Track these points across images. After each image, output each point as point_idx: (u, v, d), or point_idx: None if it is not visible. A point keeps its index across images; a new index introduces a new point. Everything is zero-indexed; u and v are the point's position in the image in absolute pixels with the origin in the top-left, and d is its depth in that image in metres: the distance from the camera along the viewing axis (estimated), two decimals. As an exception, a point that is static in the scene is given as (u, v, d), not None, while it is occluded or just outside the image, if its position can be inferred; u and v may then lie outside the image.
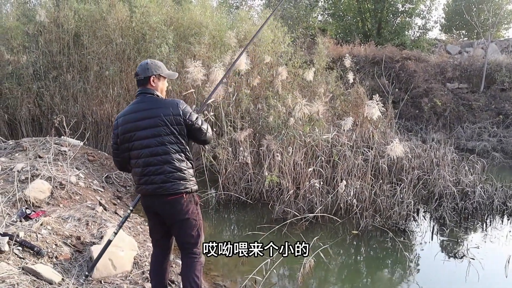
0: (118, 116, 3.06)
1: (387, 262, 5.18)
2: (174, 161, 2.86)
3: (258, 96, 8.09)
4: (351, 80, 8.22)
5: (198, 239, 3.02)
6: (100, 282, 3.65)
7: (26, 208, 4.56)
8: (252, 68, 7.70)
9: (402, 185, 6.53)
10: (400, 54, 15.15)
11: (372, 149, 6.83)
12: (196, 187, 3.00)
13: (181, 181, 2.87)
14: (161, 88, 3.04)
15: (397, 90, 13.87)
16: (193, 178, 2.98)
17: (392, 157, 6.40)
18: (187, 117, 2.89)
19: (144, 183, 2.88)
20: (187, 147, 2.97)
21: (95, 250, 3.86)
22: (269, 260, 4.44)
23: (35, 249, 3.68)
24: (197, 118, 2.95)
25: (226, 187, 6.58)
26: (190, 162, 2.98)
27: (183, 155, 2.92)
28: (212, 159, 6.53)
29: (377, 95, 6.30)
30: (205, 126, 3.00)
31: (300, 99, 6.70)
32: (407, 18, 19.15)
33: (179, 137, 2.89)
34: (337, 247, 5.42)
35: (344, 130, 6.62)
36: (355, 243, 5.64)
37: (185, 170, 2.90)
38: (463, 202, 6.56)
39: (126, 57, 8.66)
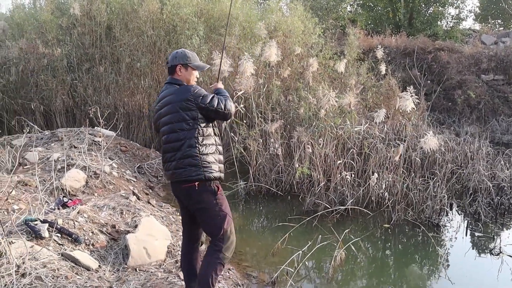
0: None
1: (418, 256, 5.09)
2: (184, 147, 2.81)
3: (289, 87, 8.05)
4: (383, 72, 8.07)
5: (218, 231, 2.86)
6: (135, 270, 3.73)
7: (64, 197, 4.70)
8: (282, 59, 7.65)
9: (435, 179, 6.39)
10: (432, 45, 14.76)
11: (404, 142, 6.70)
12: (214, 175, 2.86)
13: (193, 168, 2.80)
14: (187, 78, 2.98)
15: (429, 82, 13.53)
16: (210, 165, 2.84)
17: (425, 150, 6.27)
18: (200, 100, 2.83)
19: (165, 169, 3.00)
20: (203, 132, 2.87)
21: (130, 238, 3.95)
22: (300, 252, 4.44)
23: (73, 236, 3.78)
24: (212, 99, 2.86)
25: (256, 179, 6.59)
26: (208, 148, 2.87)
27: (196, 140, 2.82)
28: (242, 150, 6.54)
29: (411, 86, 6.16)
30: (221, 105, 2.88)
31: (328, 90, 6.63)
32: (440, 8, 18.62)
33: (190, 123, 2.82)
34: (368, 240, 5.37)
35: (376, 123, 6.51)
36: (386, 236, 5.57)
37: (196, 156, 2.81)
38: (498, 198, 6.37)
39: (157, 49, 8.74)
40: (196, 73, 3.05)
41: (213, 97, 2.89)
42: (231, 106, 2.95)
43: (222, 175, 2.96)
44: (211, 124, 2.95)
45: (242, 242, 5.09)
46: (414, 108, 6.36)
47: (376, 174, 6.13)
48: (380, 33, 16.39)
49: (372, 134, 6.86)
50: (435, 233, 5.47)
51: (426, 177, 6.67)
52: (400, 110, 7.44)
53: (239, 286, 3.89)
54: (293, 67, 8.22)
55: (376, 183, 6.13)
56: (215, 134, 2.97)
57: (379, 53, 8.90)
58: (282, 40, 8.35)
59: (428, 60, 14.19)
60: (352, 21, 16.38)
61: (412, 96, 6.05)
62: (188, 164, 2.80)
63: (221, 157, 2.99)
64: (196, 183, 2.81)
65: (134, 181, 5.93)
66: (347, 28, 10.61)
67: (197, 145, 2.82)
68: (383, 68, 8.08)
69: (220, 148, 3.00)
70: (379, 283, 4.53)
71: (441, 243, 5.35)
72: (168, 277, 3.50)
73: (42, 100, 9.23)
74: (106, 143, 6.29)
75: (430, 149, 5.94)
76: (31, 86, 9.30)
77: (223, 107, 2.88)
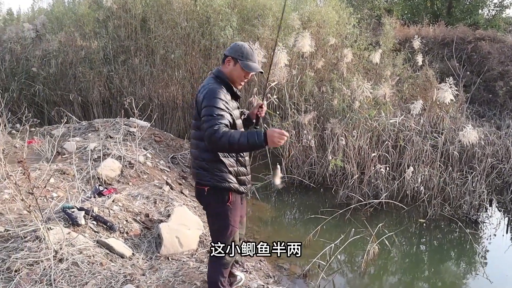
0: None
1: (454, 253, 4.95)
2: (200, 148, 2.66)
3: (322, 79, 7.94)
4: (420, 63, 7.82)
5: (216, 239, 2.78)
6: (168, 258, 3.78)
7: (99, 185, 4.81)
8: (316, 50, 7.55)
9: (473, 174, 6.18)
10: (472, 35, 14.19)
11: (442, 135, 6.50)
12: (225, 185, 2.64)
13: (204, 172, 2.66)
14: (232, 74, 2.66)
15: (468, 73, 13.04)
16: (223, 175, 2.63)
17: (464, 143, 6.06)
18: (200, 105, 2.54)
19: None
20: None
21: (163, 227, 4.00)
22: (333, 245, 4.39)
23: (108, 224, 3.86)
24: (209, 119, 2.41)
25: (289, 170, 6.55)
26: (224, 157, 2.63)
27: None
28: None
29: (451, 78, 5.96)
30: (211, 125, 2.37)
31: (361, 81, 6.49)
32: (482, -5, 17.89)
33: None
34: (402, 235, 5.26)
35: (412, 115, 6.33)
36: (421, 232, 5.45)
37: (207, 162, 2.63)
38: (542, 194, 6.11)
39: (190, 40, 8.79)
40: (244, 73, 2.67)
41: (213, 109, 2.44)
42: (219, 143, 2.33)
43: (240, 188, 2.72)
44: None
45: (274, 233, 5.09)
46: (452, 100, 6.16)
47: (411, 168, 5.99)
48: (417, 23, 15.92)
49: (407, 126, 6.68)
50: (473, 230, 5.30)
51: (464, 171, 6.45)
52: (438, 102, 7.23)
53: (270, 277, 3.89)
54: (327, 58, 8.10)
55: (411, 176, 5.98)
56: None
57: (416, 43, 8.63)
58: (316, 31, 8.23)
59: (467, 50, 13.67)
60: (388, 11, 15.98)
61: (451, 87, 5.85)
62: (200, 167, 2.67)
63: (243, 169, 2.74)
64: (206, 188, 2.68)
65: (167, 171, 6.01)
66: (382, 18, 10.34)
67: (208, 150, 2.60)
68: (420, 58, 7.83)
69: (244, 159, 2.75)
70: (412, 280, 4.43)
71: (479, 240, 5.19)
72: (199, 267, 3.53)
73: (80, 92, 9.47)
74: (141, 133, 6.39)
75: (469, 142, 5.74)
76: (69, 78, 9.56)
77: (208, 126, 2.39)
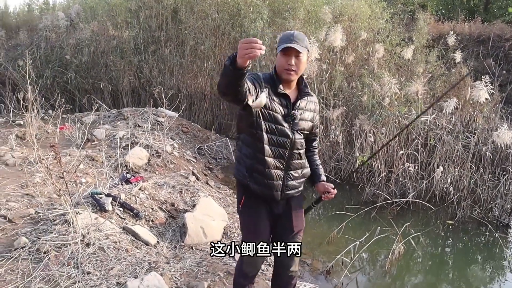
0: None
1: (483, 256, 4.82)
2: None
3: (352, 74, 7.81)
4: (458, 60, 7.59)
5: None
6: (191, 248, 3.81)
7: (127, 173, 4.88)
8: (347, 45, 7.43)
9: (506, 176, 5.98)
10: (510, 32, 13.73)
11: (474, 135, 6.32)
12: (239, 177, 2.47)
13: (236, 162, 2.53)
14: (277, 65, 2.35)
15: (504, 72, 12.62)
16: (240, 165, 2.45)
17: (497, 144, 5.87)
18: None
19: None
20: (244, 130, 2.40)
21: (188, 217, 4.03)
22: (357, 242, 4.33)
23: (134, 211, 3.92)
24: None
25: (315, 166, 6.49)
26: (244, 147, 2.42)
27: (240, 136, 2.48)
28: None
29: (487, 76, 5.77)
30: None
31: (390, 78, 6.36)
32: (522, -9, 17.26)
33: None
34: (429, 236, 5.14)
35: (445, 113, 6.17)
36: (449, 233, 5.32)
37: (238, 152, 2.50)
38: None
39: (220, 32, 8.79)
40: (282, 59, 2.29)
41: None
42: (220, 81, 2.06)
43: (254, 186, 2.39)
44: (254, 127, 2.31)
45: (298, 228, 5.05)
46: (487, 99, 5.97)
47: (441, 167, 5.84)
48: (452, 19, 15.49)
49: (438, 125, 6.52)
50: (504, 234, 5.14)
51: (496, 173, 6.26)
52: (471, 101, 7.03)
53: (293, 272, 3.86)
54: (357, 53, 7.96)
55: (440, 176, 5.84)
56: (258, 140, 2.32)
57: (451, 40, 8.38)
58: (347, 25, 8.10)
59: (505, 48, 13.23)
60: (421, 6, 15.58)
61: (486, 85, 5.67)
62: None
63: (261, 167, 2.36)
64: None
65: (193, 161, 6.05)
66: (416, 13, 10.10)
67: (240, 140, 2.47)
68: (458, 56, 7.59)
69: (265, 159, 2.35)
70: (437, 282, 4.33)
71: (510, 244, 5.02)
72: (223, 258, 3.54)
73: (111, 80, 9.62)
74: (169, 123, 6.45)
75: (503, 143, 5.56)
76: (101, 67, 9.72)
77: None
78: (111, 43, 9.68)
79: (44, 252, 2.89)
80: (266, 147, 2.32)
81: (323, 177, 2.68)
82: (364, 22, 8.22)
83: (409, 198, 5.62)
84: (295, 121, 2.36)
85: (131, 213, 3.90)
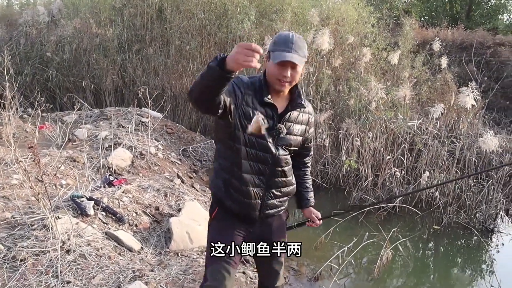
0: None
1: (469, 262, 4.83)
2: None
3: (339, 77, 7.78)
4: (444, 65, 7.65)
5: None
6: (177, 254, 3.69)
7: (110, 175, 4.72)
8: (334, 48, 7.39)
9: (490, 182, 6.01)
10: (492, 40, 13.94)
11: (460, 140, 6.34)
12: (213, 190, 2.26)
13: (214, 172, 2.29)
14: (267, 71, 2.09)
15: (486, 78, 12.79)
16: (217, 180, 2.19)
17: (482, 150, 5.89)
18: None
19: None
20: (222, 140, 2.18)
21: (174, 222, 3.90)
22: (346, 248, 4.27)
23: (117, 215, 3.78)
24: None
25: (301, 169, 6.42)
26: (221, 158, 2.19)
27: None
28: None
29: (473, 82, 5.80)
30: None
31: (376, 82, 6.34)
32: (502, 0, 17.57)
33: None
34: (416, 241, 5.13)
35: (432, 118, 6.17)
36: (435, 238, 5.33)
37: (215, 162, 2.26)
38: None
39: (206, 32, 8.66)
40: (275, 68, 2.00)
41: None
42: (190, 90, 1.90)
43: (229, 203, 2.15)
44: (231, 139, 2.08)
45: (284, 233, 4.97)
46: (474, 105, 6.00)
47: (427, 173, 5.83)
48: (435, 26, 15.67)
49: (424, 130, 6.52)
50: (489, 239, 5.16)
51: (480, 179, 6.29)
52: (455, 107, 7.07)
53: (281, 279, 3.77)
54: (344, 57, 7.94)
55: (426, 182, 5.84)
56: (236, 154, 2.08)
57: (436, 46, 8.44)
58: (334, 29, 8.06)
59: (486, 55, 13.42)
60: (406, 12, 15.71)
61: (473, 92, 5.70)
62: None
63: (236, 183, 2.11)
64: None
65: (178, 163, 5.91)
66: (401, 19, 10.15)
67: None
68: (444, 61, 7.63)
69: (243, 175, 2.09)
70: (425, 287, 4.31)
71: (495, 249, 5.04)
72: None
73: (93, 79, 9.39)
74: (153, 124, 6.30)
75: (489, 149, 5.58)
76: (83, 65, 9.47)
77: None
78: (94, 40, 9.45)
79: (21, 260, 2.73)
80: (244, 162, 2.06)
81: (312, 202, 2.50)
82: (351, 26, 8.20)
83: (396, 203, 5.59)
84: (280, 135, 2.10)
85: (114, 217, 3.76)
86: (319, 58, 7.35)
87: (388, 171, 5.92)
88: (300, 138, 2.22)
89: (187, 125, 8.54)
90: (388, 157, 6.01)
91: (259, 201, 2.15)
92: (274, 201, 2.22)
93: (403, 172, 5.94)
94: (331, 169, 6.39)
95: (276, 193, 2.21)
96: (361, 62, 7.42)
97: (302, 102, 2.17)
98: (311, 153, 2.51)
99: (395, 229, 4.89)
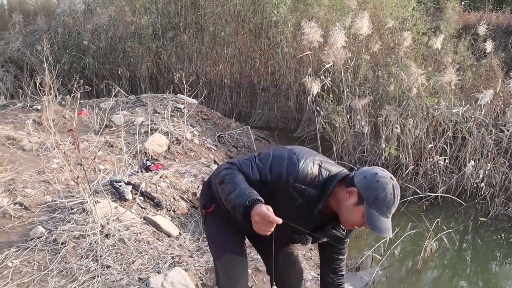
0: None
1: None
2: None
3: (378, 63, 7.52)
4: (489, 50, 7.26)
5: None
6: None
7: (147, 160, 4.70)
8: (372, 33, 7.13)
9: (540, 172, 5.68)
10: (540, 24, 13.23)
11: (509, 128, 6.00)
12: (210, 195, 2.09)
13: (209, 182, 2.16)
14: (345, 208, 1.79)
15: (533, 64, 12.18)
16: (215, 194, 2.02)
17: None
18: None
19: None
20: None
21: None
22: (388, 238, 4.11)
23: (155, 200, 3.74)
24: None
25: (339, 156, 6.25)
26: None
27: None
28: (326, 126, 6.20)
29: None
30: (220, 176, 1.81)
31: (416, 68, 6.06)
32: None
33: None
34: (461, 233, 4.90)
35: (480, 105, 5.86)
36: (481, 230, 5.06)
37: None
38: None
39: (241, 18, 8.54)
40: (361, 221, 1.76)
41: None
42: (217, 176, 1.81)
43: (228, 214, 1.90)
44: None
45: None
46: (523, 92, 5.66)
47: (472, 162, 5.56)
48: (479, 9, 14.98)
49: (468, 117, 6.20)
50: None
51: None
52: (500, 94, 6.71)
53: (321, 268, 3.66)
54: (383, 42, 7.66)
55: (472, 171, 5.56)
56: None
57: (482, 30, 8.04)
58: (373, 13, 7.79)
59: (534, 40, 12.77)
60: (446, -4, 15.09)
61: (524, 77, 5.37)
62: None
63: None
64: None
65: (214, 149, 5.86)
66: (441, 2, 9.74)
67: None
68: (489, 45, 7.24)
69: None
70: (471, 281, 4.10)
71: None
72: (250, 253, 3.34)
73: (129, 66, 9.45)
74: (188, 110, 6.26)
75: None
76: (119, 53, 9.55)
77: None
78: (129, 28, 9.49)
79: (62, 243, 2.72)
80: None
81: None
82: (391, 9, 7.91)
83: (438, 193, 5.36)
84: (305, 244, 1.92)
85: (152, 202, 3.72)
86: (357, 43, 7.12)
87: (430, 159, 5.67)
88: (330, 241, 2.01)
89: (222, 111, 8.50)
90: (430, 145, 5.76)
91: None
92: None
93: (446, 161, 5.67)
94: (370, 157, 6.18)
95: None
96: (401, 47, 7.14)
97: (343, 233, 1.95)
98: (344, 261, 2.13)
99: (438, 219, 4.67)
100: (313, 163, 1.79)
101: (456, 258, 4.36)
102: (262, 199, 1.56)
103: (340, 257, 2.07)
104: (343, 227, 1.90)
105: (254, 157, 1.85)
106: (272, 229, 1.48)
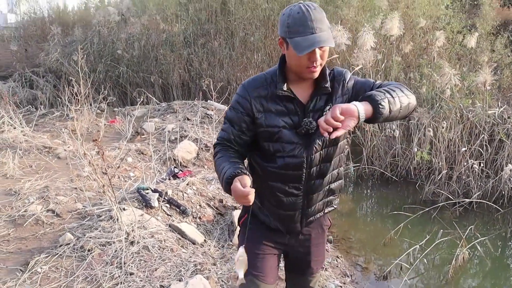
0: None
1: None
2: None
3: (410, 64, 7.35)
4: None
5: None
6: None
7: (175, 167, 4.78)
8: (404, 33, 6.98)
9: None
10: None
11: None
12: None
13: None
14: (289, 61, 1.68)
15: None
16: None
17: None
18: None
19: None
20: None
21: (236, 215, 3.85)
22: (417, 246, 4.01)
23: (181, 208, 3.80)
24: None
25: (370, 161, 6.15)
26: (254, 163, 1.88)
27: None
28: (356, 130, 6.11)
29: None
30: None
31: (449, 68, 5.87)
32: None
33: None
34: (497, 241, 4.69)
35: (513, 107, 5.63)
36: (520, 238, 4.84)
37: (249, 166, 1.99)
38: None
39: (270, 23, 8.58)
40: (299, 58, 1.59)
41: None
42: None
43: (263, 218, 1.86)
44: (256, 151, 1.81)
45: (351, 227, 4.78)
46: None
47: (510, 165, 5.33)
48: (519, 5, 14.38)
49: (506, 119, 5.95)
50: None
51: None
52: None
53: (347, 276, 3.61)
54: (415, 42, 7.48)
55: (509, 175, 5.34)
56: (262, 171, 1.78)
57: (522, 26, 7.71)
58: (404, 12, 7.62)
59: None
60: (484, -8, 14.58)
61: None
62: None
63: (269, 205, 1.83)
64: None
65: (242, 157, 5.89)
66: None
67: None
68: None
69: (273, 185, 1.77)
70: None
71: None
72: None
73: (161, 74, 9.66)
74: (218, 116, 6.33)
75: None
76: (151, 60, 9.78)
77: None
78: (161, 36, 9.72)
79: (88, 250, 2.81)
80: (274, 171, 1.74)
81: (375, 96, 1.56)
82: (423, 8, 7.71)
83: (473, 198, 5.17)
84: (311, 131, 1.67)
85: (178, 209, 3.78)
86: (388, 45, 6.98)
87: (465, 163, 5.49)
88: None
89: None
90: (464, 148, 5.57)
91: (299, 211, 1.81)
92: (316, 205, 1.84)
93: (481, 165, 5.47)
94: (401, 161, 6.04)
95: (316, 197, 1.82)
96: (434, 46, 6.94)
97: (327, 85, 1.70)
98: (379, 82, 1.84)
99: (472, 226, 4.50)
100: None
101: (490, 267, 4.19)
102: (237, 171, 1.55)
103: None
104: (310, 77, 1.66)
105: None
106: (251, 198, 1.49)
